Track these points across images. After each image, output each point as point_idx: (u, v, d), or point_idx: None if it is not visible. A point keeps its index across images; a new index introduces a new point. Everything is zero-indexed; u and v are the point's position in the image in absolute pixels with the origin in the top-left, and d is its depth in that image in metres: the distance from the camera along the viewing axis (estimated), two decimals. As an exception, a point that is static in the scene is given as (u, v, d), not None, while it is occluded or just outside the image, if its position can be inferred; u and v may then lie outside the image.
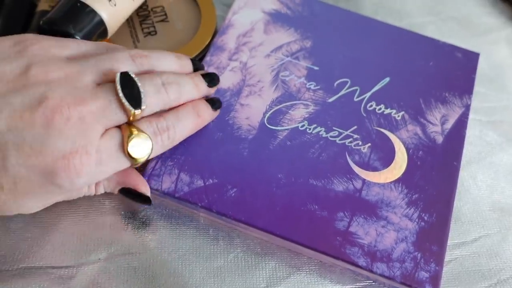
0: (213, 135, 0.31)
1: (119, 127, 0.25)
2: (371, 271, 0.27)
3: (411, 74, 0.34)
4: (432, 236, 0.28)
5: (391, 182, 0.30)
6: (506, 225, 0.32)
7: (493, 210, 0.32)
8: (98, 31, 0.31)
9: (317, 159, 0.30)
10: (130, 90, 0.24)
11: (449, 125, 0.33)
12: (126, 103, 0.24)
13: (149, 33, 0.35)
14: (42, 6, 0.34)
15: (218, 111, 0.31)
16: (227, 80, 0.33)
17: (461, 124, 0.33)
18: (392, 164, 0.31)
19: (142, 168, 0.29)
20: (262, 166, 0.30)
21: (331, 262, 0.29)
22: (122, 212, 0.30)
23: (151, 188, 0.28)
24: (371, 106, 0.33)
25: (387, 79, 0.34)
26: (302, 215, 0.28)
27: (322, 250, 0.28)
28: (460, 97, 0.34)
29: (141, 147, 0.25)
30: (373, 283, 0.29)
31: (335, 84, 0.33)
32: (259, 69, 0.34)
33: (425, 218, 0.29)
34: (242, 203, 0.28)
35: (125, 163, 0.25)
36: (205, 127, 0.30)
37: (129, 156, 0.25)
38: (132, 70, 0.26)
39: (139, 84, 0.25)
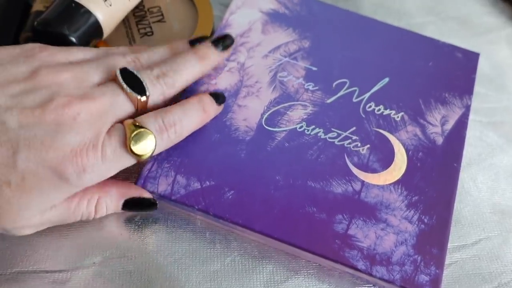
0: (210, 137, 0.30)
1: (122, 123, 0.26)
2: (371, 275, 0.27)
3: (410, 74, 0.34)
4: (432, 239, 0.28)
5: (390, 184, 0.30)
6: (507, 228, 0.31)
7: (494, 213, 0.32)
8: (93, 31, 0.30)
9: (315, 160, 0.30)
10: (132, 80, 0.26)
11: (449, 126, 0.32)
12: (132, 92, 0.26)
13: (145, 33, 0.35)
14: (37, 6, 0.33)
15: (222, 105, 0.31)
16: (224, 81, 0.32)
17: (461, 125, 0.32)
18: (392, 166, 0.30)
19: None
20: (260, 168, 0.29)
21: (330, 265, 0.28)
22: (117, 216, 0.29)
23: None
24: (370, 107, 0.32)
25: (386, 80, 0.34)
26: (300, 218, 0.28)
27: (320, 253, 0.27)
28: (460, 97, 0.33)
29: (145, 143, 0.25)
30: (373, 287, 0.28)
31: (333, 85, 0.33)
32: (256, 70, 0.33)
33: (425, 220, 0.29)
34: (239, 206, 0.28)
35: (130, 160, 0.26)
36: (202, 128, 0.30)
37: (132, 152, 0.25)
38: (130, 66, 0.27)
39: (138, 75, 0.26)
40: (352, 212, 0.28)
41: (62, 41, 0.29)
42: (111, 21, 0.31)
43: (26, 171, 0.23)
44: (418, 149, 0.31)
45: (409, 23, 0.40)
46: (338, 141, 0.31)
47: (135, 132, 0.25)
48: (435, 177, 0.30)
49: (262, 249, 0.29)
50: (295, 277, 0.29)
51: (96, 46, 0.33)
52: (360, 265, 0.27)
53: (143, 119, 0.26)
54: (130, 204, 0.28)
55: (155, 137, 0.26)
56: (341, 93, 0.33)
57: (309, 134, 0.31)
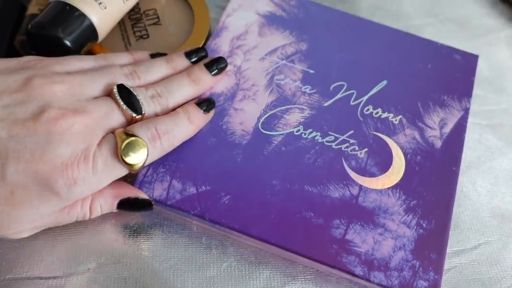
0: (206, 141, 0.30)
1: (113, 133, 0.25)
2: (368, 280, 0.27)
3: (409, 77, 0.34)
4: (431, 244, 0.28)
5: (388, 188, 0.29)
6: (507, 232, 0.31)
7: (493, 217, 0.32)
8: (88, 35, 0.30)
9: (312, 164, 0.30)
10: (128, 98, 0.26)
11: (448, 129, 0.32)
12: (127, 109, 0.26)
13: (141, 36, 0.34)
14: (32, 9, 0.33)
15: (212, 112, 0.30)
16: (220, 84, 0.32)
17: (460, 128, 0.32)
18: (390, 170, 0.30)
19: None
20: (256, 172, 0.29)
21: (327, 271, 0.28)
22: (113, 221, 0.29)
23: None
24: (368, 110, 0.32)
25: (384, 82, 0.33)
26: (297, 223, 0.28)
27: (317, 258, 0.27)
28: (459, 100, 0.33)
29: (136, 153, 0.25)
30: (371, 292, 0.28)
31: (331, 88, 0.33)
32: (253, 73, 0.33)
33: (424, 225, 0.28)
34: (235, 211, 0.28)
35: (122, 170, 0.25)
36: (198, 132, 0.30)
37: (124, 162, 0.24)
38: (128, 83, 0.27)
39: (135, 93, 0.26)
40: (349, 217, 0.28)
41: (56, 44, 0.29)
42: (106, 24, 0.31)
43: (15, 185, 0.22)
44: (416, 152, 0.31)
45: (407, 25, 0.40)
46: (336, 145, 0.31)
47: (126, 141, 0.24)
48: (434, 181, 0.30)
49: (259, 255, 0.29)
50: (292, 283, 0.28)
51: (91, 50, 0.33)
52: (358, 270, 0.27)
53: (134, 127, 0.26)
54: (125, 204, 0.27)
55: (147, 145, 0.25)
56: (339, 96, 0.32)
57: (306, 138, 0.31)
